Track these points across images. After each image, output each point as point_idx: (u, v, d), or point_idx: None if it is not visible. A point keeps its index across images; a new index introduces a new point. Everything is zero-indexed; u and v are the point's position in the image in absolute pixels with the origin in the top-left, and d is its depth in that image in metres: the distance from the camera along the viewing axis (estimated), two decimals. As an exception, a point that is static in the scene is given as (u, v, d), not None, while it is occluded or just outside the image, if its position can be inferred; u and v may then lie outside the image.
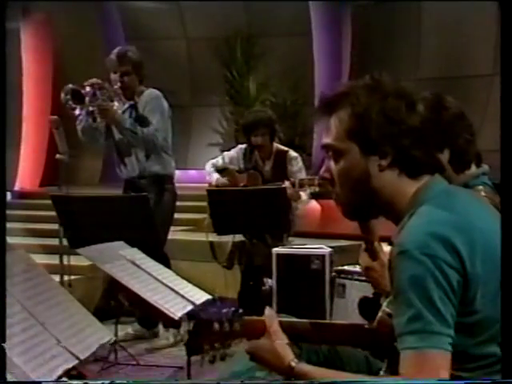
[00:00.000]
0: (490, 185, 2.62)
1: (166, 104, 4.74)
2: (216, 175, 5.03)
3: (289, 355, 1.68)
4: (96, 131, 4.70)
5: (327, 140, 1.68)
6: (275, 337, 1.70)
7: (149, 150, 4.63)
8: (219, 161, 5.14)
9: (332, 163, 1.69)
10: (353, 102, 1.63)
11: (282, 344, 1.69)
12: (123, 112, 4.69)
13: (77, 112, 4.53)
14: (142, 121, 4.61)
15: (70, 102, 4.45)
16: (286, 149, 5.12)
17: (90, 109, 4.53)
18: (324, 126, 1.69)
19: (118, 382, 2.67)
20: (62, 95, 4.45)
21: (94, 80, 4.53)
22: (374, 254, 2.15)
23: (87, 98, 4.47)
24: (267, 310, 1.74)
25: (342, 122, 1.64)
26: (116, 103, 4.65)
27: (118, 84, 4.62)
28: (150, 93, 4.73)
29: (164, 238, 4.72)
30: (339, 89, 1.68)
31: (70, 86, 4.48)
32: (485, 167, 2.69)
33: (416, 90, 1.67)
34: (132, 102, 4.71)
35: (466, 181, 2.53)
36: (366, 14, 9.50)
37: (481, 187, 2.58)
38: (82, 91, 4.47)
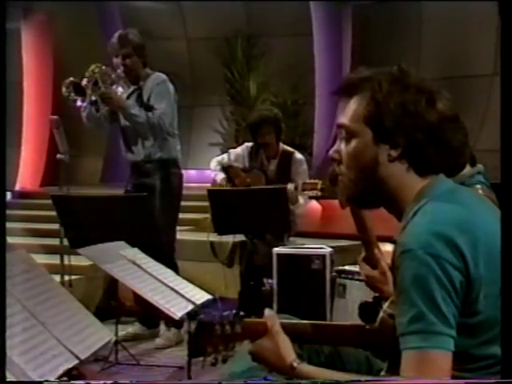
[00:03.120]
0: (486, 183, 2.63)
1: (172, 88, 4.71)
2: (221, 175, 5.02)
3: (291, 355, 1.68)
4: (101, 117, 4.67)
5: (343, 120, 1.68)
6: (277, 337, 1.70)
7: (155, 134, 4.61)
8: (224, 158, 5.13)
9: (343, 145, 1.69)
10: (374, 88, 1.63)
11: (284, 344, 1.69)
12: (128, 96, 4.67)
13: (78, 103, 4.51)
14: (148, 107, 4.60)
15: (72, 94, 4.44)
16: (291, 150, 5.12)
17: (93, 98, 4.51)
18: (343, 107, 1.70)
19: (121, 382, 2.67)
20: (64, 89, 4.44)
21: (94, 66, 4.50)
22: (374, 261, 2.14)
23: (89, 88, 4.45)
24: (267, 311, 1.74)
25: (360, 106, 1.65)
26: (120, 88, 4.63)
27: (121, 68, 4.60)
28: (156, 77, 4.69)
29: (173, 227, 4.71)
30: (364, 72, 1.68)
31: (71, 78, 4.47)
32: (479, 166, 2.71)
33: (439, 88, 1.66)
34: (136, 87, 4.69)
35: (462, 180, 2.53)
36: (367, 13, 9.49)
37: (478, 186, 2.59)
38: (82, 84, 4.45)
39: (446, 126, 1.63)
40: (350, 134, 1.67)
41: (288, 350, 1.68)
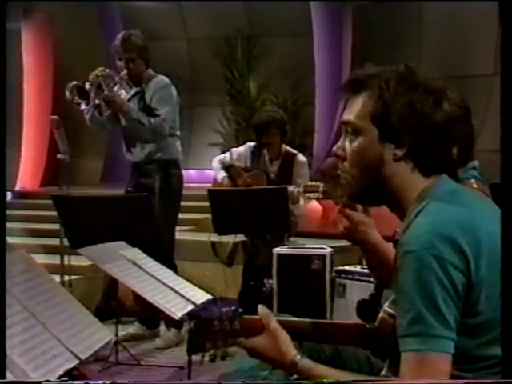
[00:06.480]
0: (480, 178, 2.64)
1: (174, 92, 4.72)
2: (222, 174, 5.01)
3: (291, 351, 1.67)
4: (104, 120, 4.67)
5: (349, 116, 1.67)
6: (276, 333, 1.69)
7: (155, 138, 4.62)
8: (227, 157, 5.12)
9: (347, 142, 1.68)
10: (382, 86, 1.62)
11: (284, 340, 1.69)
12: (130, 98, 4.67)
13: (82, 107, 4.52)
14: (150, 110, 4.60)
15: (76, 98, 4.45)
16: (294, 152, 5.12)
17: (96, 102, 4.52)
18: (348, 104, 1.69)
19: (118, 382, 2.67)
20: (67, 93, 4.44)
21: (98, 70, 4.51)
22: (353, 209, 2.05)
23: (92, 92, 4.46)
24: (260, 308, 1.73)
25: (367, 103, 1.63)
26: (123, 91, 4.64)
27: (125, 71, 4.61)
28: (159, 81, 4.70)
29: (172, 228, 4.71)
30: (371, 70, 1.67)
31: (74, 82, 4.47)
32: (475, 162, 2.72)
33: (445, 87, 1.65)
34: (139, 89, 4.70)
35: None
36: (367, 13, 9.50)
37: (472, 180, 2.60)
38: (86, 87, 4.46)
39: (454, 126, 1.62)
40: (355, 131, 1.66)
41: (288, 346, 1.68)
